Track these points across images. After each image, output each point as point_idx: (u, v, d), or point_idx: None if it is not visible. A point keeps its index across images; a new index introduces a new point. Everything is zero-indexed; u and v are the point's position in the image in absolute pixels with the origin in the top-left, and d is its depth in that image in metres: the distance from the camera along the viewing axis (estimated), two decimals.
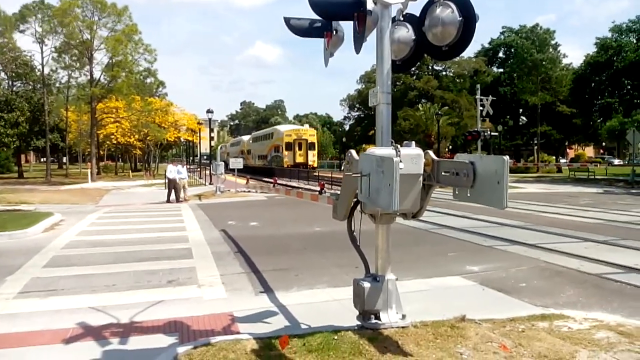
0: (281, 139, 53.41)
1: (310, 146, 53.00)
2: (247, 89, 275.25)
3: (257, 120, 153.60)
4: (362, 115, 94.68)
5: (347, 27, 5.76)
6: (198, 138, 72.16)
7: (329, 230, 14.70)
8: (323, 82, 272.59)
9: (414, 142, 5.25)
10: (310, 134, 54.74)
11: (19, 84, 64.24)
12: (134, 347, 5.74)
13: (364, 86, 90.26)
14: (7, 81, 63.84)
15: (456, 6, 5.03)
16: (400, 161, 4.41)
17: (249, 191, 30.99)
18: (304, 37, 5.80)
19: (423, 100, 71.21)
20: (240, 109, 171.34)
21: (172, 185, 25.97)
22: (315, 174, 44.62)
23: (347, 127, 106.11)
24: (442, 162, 5.00)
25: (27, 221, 15.90)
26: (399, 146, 4.94)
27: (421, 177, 4.98)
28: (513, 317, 6.10)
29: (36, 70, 59.95)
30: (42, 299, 7.91)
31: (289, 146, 50.52)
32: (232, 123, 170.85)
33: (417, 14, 5.67)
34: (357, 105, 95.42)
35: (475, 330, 5.50)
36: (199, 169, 59.18)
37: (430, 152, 5.07)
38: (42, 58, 53.38)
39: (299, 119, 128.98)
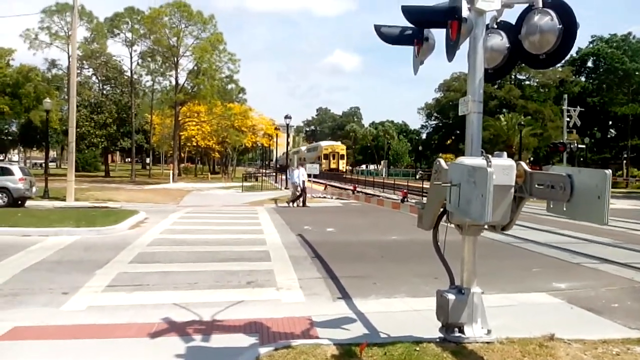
0: (321, 151, 73.40)
1: (341, 157, 73.29)
2: (324, 95, 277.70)
3: (332, 127, 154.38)
4: (440, 124, 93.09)
5: (437, 34, 5.70)
6: (275, 143, 74.16)
7: (406, 239, 14.55)
8: (400, 89, 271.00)
9: (505, 153, 5.09)
10: (341, 148, 75.75)
11: (108, 88, 67.84)
12: (216, 344, 5.86)
13: (442, 95, 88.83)
14: (98, 84, 67.57)
15: (556, 13, 4.86)
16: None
17: (324, 197, 31.21)
18: (394, 45, 5.76)
19: (504, 110, 69.17)
20: (316, 115, 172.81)
21: (302, 189, 26.05)
22: (344, 176, 62.69)
23: (424, 136, 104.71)
24: (535, 174, 4.82)
25: (114, 218, 16.67)
26: (490, 156, 4.80)
27: (512, 188, 4.82)
28: (605, 339, 5.77)
29: (124, 74, 63.10)
30: (128, 293, 8.26)
31: (326, 157, 69.15)
32: (307, 129, 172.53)
33: (512, 22, 5.54)
34: (435, 114, 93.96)
35: (565, 350, 5.25)
36: (274, 174, 60.27)
37: (523, 164, 4.91)
38: (131, 63, 56.16)
39: (375, 127, 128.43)
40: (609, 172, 4.06)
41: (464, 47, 5.34)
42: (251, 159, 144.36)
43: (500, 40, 5.59)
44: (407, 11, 5.04)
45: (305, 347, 5.37)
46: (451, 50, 5.08)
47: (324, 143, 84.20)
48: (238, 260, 10.91)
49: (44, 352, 5.55)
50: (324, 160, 71.47)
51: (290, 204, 25.60)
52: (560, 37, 4.88)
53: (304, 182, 25.84)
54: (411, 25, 5.47)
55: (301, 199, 25.82)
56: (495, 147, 53.26)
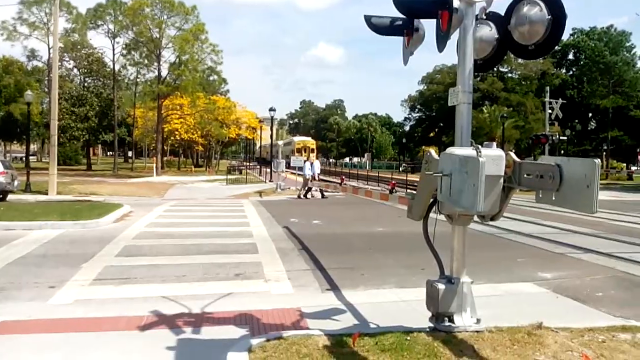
0: (294, 145, 79.84)
1: (312, 150, 77.93)
2: (308, 88, 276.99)
3: (316, 120, 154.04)
4: (423, 117, 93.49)
5: (427, 25, 5.71)
6: (258, 136, 74.44)
7: (392, 231, 14.64)
8: (383, 82, 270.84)
9: (494, 143, 5.13)
10: (311, 143, 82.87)
11: (89, 80, 66.92)
12: (207, 336, 5.85)
13: (425, 87, 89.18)
14: (79, 77, 66.66)
15: (545, 4, 4.88)
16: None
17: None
18: (384, 36, 5.76)
19: (487, 102, 69.62)
20: (300, 108, 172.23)
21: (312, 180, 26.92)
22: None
23: (407, 128, 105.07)
24: (524, 164, 4.87)
25: (99, 211, 16.52)
26: (480, 147, 4.83)
27: (502, 179, 4.86)
28: (591, 327, 5.86)
29: (107, 66, 62.30)
30: (115, 287, 8.21)
31: (299, 150, 74.19)
32: (291, 122, 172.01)
33: (500, 12, 5.56)
34: (419, 106, 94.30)
35: (553, 338, 5.32)
36: (258, 166, 60.17)
37: (512, 154, 4.95)
38: (114, 55, 55.49)
39: (359, 119, 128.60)
40: (597, 161, 4.11)
41: (451, 37, 5.36)
42: (235, 152, 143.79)
43: (489, 31, 5.61)
44: (399, 1, 5.05)
45: (297, 337, 5.39)
46: (442, 40, 5.09)
47: (296, 138, 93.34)
48: (225, 253, 10.89)
49: (32, 346, 5.50)
50: (296, 154, 76.48)
51: (303, 196, 26.29)
52: (549, 27, 4.90)
53: (314, 174, 26.50)
54: (402, 16, 5.48)
55: (308, 190, 26.41)
56: (478, 139, 53.21)
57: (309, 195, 26.28)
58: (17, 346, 5.49)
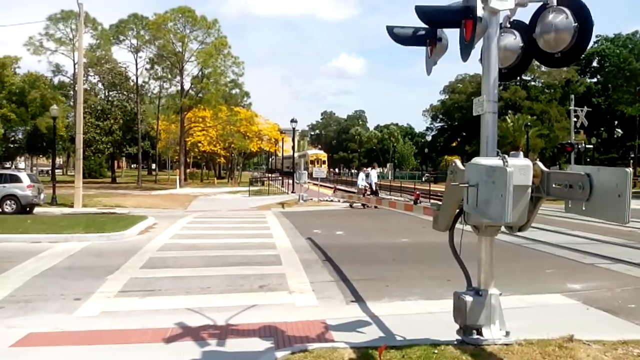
0: (308, 157, 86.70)
1: (323, 162, 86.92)
2: (328, 99, 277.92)
3: (337, 131, 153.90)
4: (446, 126, 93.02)
5: (450, 34, 5.67)
6: (280, 147, 74.79)
7: (415, 242, 14.50)
8: (404, 92, 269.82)
9: (521, 153, 5.06)
10: (323, 155, 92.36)
11: (113, 94, 67.93)
12: (232, 349, 5.83)
13: (447, 96, 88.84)
14: (103, 91, 67.71)
15: (571, 11, 4.82)
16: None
17: (331, 200, 31.14)
18: (407, 46, 5.74)
19: (510, 111, 68.98)
20: (321, 119, 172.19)
21: (373, 191, 27.67)
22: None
23: (429, 138, 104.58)
24: (553, 173, 4.78)
25: (123, 223, 16.68)
26: (506, 156, 4.76)
27: (529, 189, 4.78)
28: (625, 340, 5.69)
29: (130, 80, 63.21)
30: (141, 299, 8.25)
31: (312, 162, 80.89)
32: (312, 133, 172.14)
33: (524, 20, 5.51)
34: (440, 116, 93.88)
35: (585, 351, 5.19)
36: (280, 178, 60.33)
37: (539, 163, 4.86)
38: (137, 69, 56.29)
39: (380, 130, 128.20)
40: (629, 170, 4.02)
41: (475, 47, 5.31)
42: (257, 164, 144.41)
43: (513, 40, 5.56)
44: (422, 11, 5.01)
45: (322, 350, 5.34)
46: (466, 50, 5.05)
47: (310, 151, 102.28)
48: (249, 265, 10.89)
49: (59, 359, 5.54)
50: (310, 165, 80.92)
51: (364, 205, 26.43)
52: (575, 35, 4.83)
53: (370, 184, 27.51)
54: (424, 26, 5.44)
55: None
56: (502, 149, 52.67)
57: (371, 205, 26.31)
58: (44, 358, 5.53)
